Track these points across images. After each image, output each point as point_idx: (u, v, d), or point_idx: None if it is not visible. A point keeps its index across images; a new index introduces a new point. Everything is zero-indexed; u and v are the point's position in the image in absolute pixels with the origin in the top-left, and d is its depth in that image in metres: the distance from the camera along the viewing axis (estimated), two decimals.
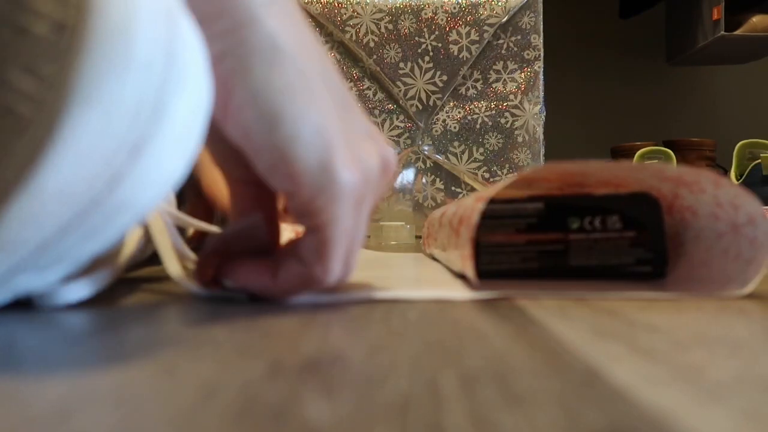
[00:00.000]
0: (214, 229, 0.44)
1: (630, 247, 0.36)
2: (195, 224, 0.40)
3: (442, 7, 1.06)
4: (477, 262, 0.36)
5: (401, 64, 1.05)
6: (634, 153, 1.29)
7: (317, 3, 1.04)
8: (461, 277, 0.38)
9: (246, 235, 0.30)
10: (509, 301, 0.30)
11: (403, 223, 0.98)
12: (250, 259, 0.29)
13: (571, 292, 0.31)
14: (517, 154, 1.07)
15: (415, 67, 1.05)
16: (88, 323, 0.25)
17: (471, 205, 0.34)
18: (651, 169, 0.33)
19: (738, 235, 0.31)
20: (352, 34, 1.05)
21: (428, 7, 1.06)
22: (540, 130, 1.07)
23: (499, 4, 1.05)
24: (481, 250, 0.36)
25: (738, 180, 0.99)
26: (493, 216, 0.36)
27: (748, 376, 0.17)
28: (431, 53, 1.06)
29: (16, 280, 0.24)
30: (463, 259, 0.33)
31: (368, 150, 0.29)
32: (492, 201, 0.37)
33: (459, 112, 1.07)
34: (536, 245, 0.36)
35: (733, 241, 0.31)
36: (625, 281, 0.36)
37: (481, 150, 1.06)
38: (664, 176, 0.34)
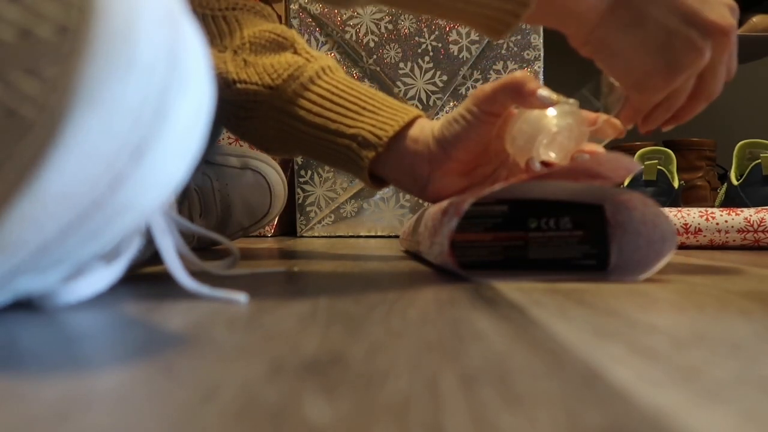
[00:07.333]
0: (215, 236, 0.44)
1: (578, 244, 0.42)
2: (195, 229, 0.40)
3: None
4: (453, 255, 0.42)
5: (401, 64, 1.05)
6: (634, 153, 1.29)
7: (318, 3, 1.04)
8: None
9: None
10: (509, 301, 0.30)
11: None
12: None
13: (530, 278, 0.38)
14: None
15: (415, 67, 1.05)
16: (88, 323, 0.25)
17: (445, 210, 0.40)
18: (599, 190, 0.41)
19: (649, 250, 0.39)
20: (352, 34, 1.05)
21: None
22: None
23: None
24: (455, 246, 0.42)
25: (738, 180, 0.99)
26: (466, 217, 0.42)
27: (748, 376, 0.17)
28: (431, 53, 1.06)
29: (17, 281, 0.24)
30: (443, 255, 0.39)
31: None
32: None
33: None
34: (501, 241, 0.43)
35: (645, 254, 0.39)
36: (574, 272, 0.42)
37: None
38: (607, 195, 0.41)
